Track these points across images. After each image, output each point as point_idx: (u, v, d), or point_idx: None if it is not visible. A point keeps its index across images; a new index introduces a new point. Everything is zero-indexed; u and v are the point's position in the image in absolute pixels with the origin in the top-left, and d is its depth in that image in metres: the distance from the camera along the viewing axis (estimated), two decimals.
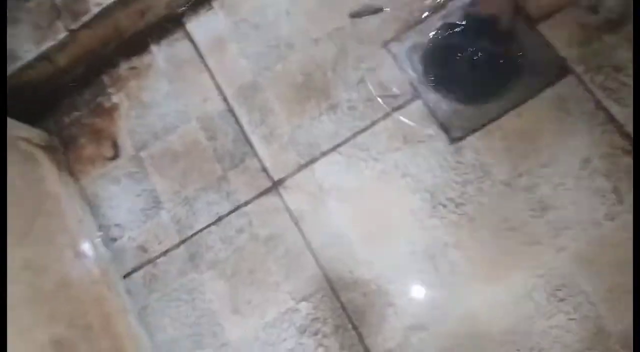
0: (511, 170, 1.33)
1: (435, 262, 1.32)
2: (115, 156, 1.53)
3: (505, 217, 1.30)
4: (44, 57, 1.49)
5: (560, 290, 1.23)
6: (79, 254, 1.37)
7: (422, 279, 1.31)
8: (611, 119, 1.29)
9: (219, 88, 1.54)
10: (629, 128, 1.26)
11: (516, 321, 1.24)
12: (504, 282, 1.26)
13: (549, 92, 1.32)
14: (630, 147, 1.26)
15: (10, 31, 1.50)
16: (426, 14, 1.44)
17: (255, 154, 1.48)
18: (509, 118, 1.34)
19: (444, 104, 1.38)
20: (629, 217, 1.24)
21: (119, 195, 1.51)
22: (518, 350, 1.22)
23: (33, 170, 1.40)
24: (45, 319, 1.14)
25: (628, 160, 1.25)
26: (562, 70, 1.34)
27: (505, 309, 1.25)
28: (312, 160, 1.44)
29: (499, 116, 1.34)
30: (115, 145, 1.54)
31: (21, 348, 1.05)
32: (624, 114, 1.27)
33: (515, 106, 1.33)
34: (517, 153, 1.33)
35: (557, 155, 1.29)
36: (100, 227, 1.50)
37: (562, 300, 1.23)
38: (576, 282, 1.23)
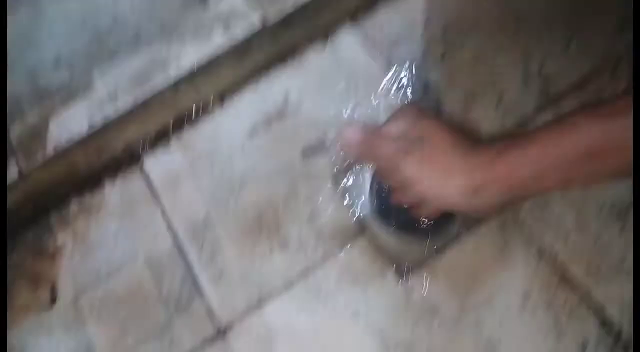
0: (458, 307, 1.26)
1: None
2: (52, 303, 1.45)
3: None
4: None
5: None
6: None
7: None
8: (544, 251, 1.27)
9: (170, 225, 1.52)
10: (563, 256, 1.24)
11: None
12: None
13: (486, 227, 1.32)
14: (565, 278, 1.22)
15: None
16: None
17: (202, 296, 1.41)
18: (452, 254, 1.31)
19: (391, 240, 1.37)
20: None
21: (51, 347, 1.40)
22: None
23: None
24: None
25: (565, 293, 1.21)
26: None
27: None
28: (261, 302, 1.37)
29: (441, 252, 1.32)
30: (53, 291, 1.46)
31: None
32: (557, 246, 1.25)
33: (456, 242, 1.31)
34: (462, 289, 1.27)
35: (499, 290, 1.25)
36: None
37: None
38: None
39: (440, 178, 0.80)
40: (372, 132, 0.96)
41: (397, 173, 0.89)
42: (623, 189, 1.25)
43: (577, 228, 1.27)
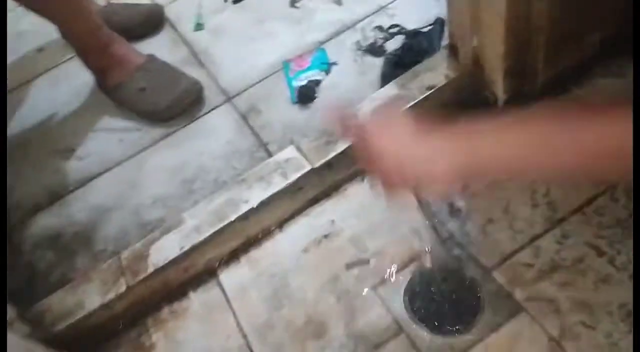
0: None
1: None
2: None
3: None
4: (105, 306, 1.96)
5: None
6: None
7: None
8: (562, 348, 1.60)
9: (240, 326, 1.94)
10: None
11: None
12: None
13: (506, 328, 1.66)
14: None
15: (83, 286, 2.03)
16: (402, 264, 1.93)
17: None
18: (478, 349, 1.66)
19: (424, 337, 1.73)
20: None
21: None
22: None
23: None
24: None
25: None
26: (515, 307, 1.72)
27: None
28: None
29: (469, 347, 1.67)
30: None
31: None
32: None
33: (480, 339, 1.66)
34: None
35: None
36: None
37: None
38: None
39: (403, 140, 0.89)
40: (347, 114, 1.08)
41: (365, 144, 0.95)
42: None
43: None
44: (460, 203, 1.98)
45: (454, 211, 1.97)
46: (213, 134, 2.56)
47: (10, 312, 1.87)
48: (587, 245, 1.76)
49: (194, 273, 2.11)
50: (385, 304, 1.83)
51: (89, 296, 1.96)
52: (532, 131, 0.74)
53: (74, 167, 2.62)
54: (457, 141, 0.83)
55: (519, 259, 1.80)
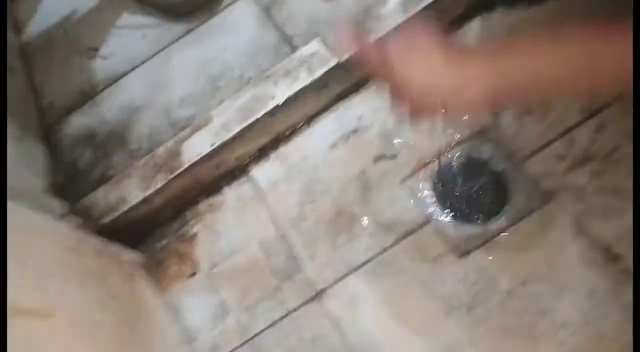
0: (513, 280, 1.68)
1: None
2: (193, 274, 2.03)
3: (511, 319, 1.62)
4: (145, 200, 2.09)
5: None
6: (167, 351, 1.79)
7: None
8: (590, 238, 1.65)
9: (274, 218, 2.06)
10: (616, 248, 1.62)
11: None
12: None
13: (535, 216, 1.71)
14: (608, 261, 1.60)
15: (123, 182, 2.14)
16: (431, 156, 1.95)
17: (303, 270, 1.93)
18: (505, 237, 1.73)
19: (452, 227, 1.81)
20: (623, 316, 1.53)
21: (196, 304, 1.97)
22: None
23: (134, 285, 1.91)
24: None
25: (612, 273, 1.59)
26: (547, 196, 1.75)
27: None
28: (347, 274, 1.86)
29: (496, 235, 1.75)
30: (193, 265, 2.05)
31: None
32: (606, 233, 1.63)
33: (509, 227, 1.72)
34: (515, 267, 1.69)
35: (552, 267, 1.65)
36: (182, 331, 1.94)
37: None
38: None
39: (430, 67, 0.84)
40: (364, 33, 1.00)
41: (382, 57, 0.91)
42: None
43: None
44: None
45: None
46: (235, 29, 2.48)
47: (62, 207, 2.02)
48: (623, 135, 1.73)
49: (225, 169, 2.19)
50: (413, 196, 1.89)
51: (130, 191, 2.08)
52: (563, 50, 0.74)
53: (100, 66, 2.61)
54: (487, 66, 0.81)
55: (551, 150, 1.79)
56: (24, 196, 1.71)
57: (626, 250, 1.57)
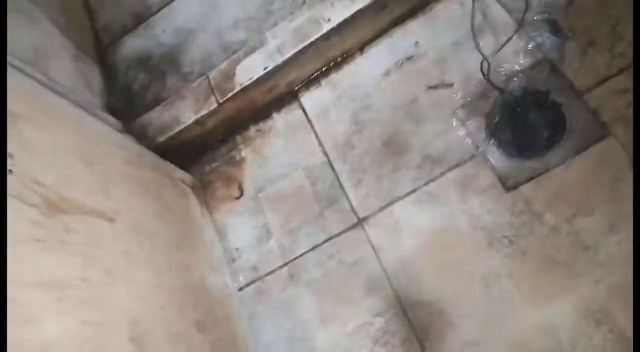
0: (558, 216, 1.74)
1: (490, 289, 1.74)
2: (240, 196, 2.22)
3: (551, 254, 1.70)
4: (198, 122, 2.27)
5: (596, 316, 1.58)
6: (212, 267, 2.02)
7: (478, 302, 1.74)
8: None
9: (321, 145, 2.18)
10: None
11: (557, 343, 1.60)
12: (548, 308, 1.64)
13: (592, 151, 1.74)
14: None
15: (177, 103, 2.32)
16: (486, 87, 1.97)
17: (346, 197, 2.06)
18: (557, 171, 1.77)
19: (501, 159, 1.86)
20: None
21: (241, 226, 2.18)
22: None
23: (185, 202, 2.13)
24: (192, 304, 1.77)
25: None
26: (603, 131, 1.75)
27: (548, 332, 1.62)
28: (391, 203, 1.98)
29: (548, 170, 1.79)
30: (240, 188, 2.23)
31: (181, 321, 1.67)
32: None
33: (561, 162, 1.77)
34: (564, 202, 1.74)
35: (598, 208, 1.69)
36: (225, 250, 2.17)
37: (599, 323, 1.58)
38: (610, 310, 1.58)
39: None
40: None
41: None
42: None
43: None
44: (563, 21, 1.90)
45: (556, 28, 1.90)
46: None
47: (118, 124, 2.22)
48: None
49: (277, 94, 2.31)
50: (464, 127, 1.95)
51: (184, 112, 2.26)
52: None
53: None
54: None
55: (615, 83, 1.77)
56: (86, 109, 1.90)
57: None
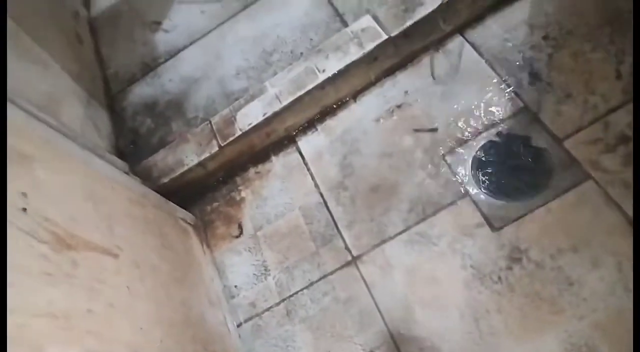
0: (542, 254, 1.82)
1: (479, 325, 1.79)
2: (239, 235, 2.30)
3: (537, 290, 1.77)
4: (200, 164, 2.38)
5: (582, 350, 1.63)
6: (211, 302, 2.07)
7: (468, 338, 1.79)
8: (624, 215, 1.76)
9: (317, 186, 2.28)
10: None
11: None
12: (534, 344, 1.69)
13: (572, 193, 1.84)
14: None
15: (181, 146, 2.44)
16: (472, 133, 2.10)
17: (341, 236, 2.14)
18: (540, 212, 1.86)
19: (488, 202, 1.96)
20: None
21: (239, 264, 2.24)
22: None
23: (186, 240, 2.21)
24: (191, 338, 1.82)
25: None
26: (582, 175, 1.86)
27: None
28: (383, 242, 2.06)
29: (532, 211, 1.88)
30: (240, 227, 2.32)
31: None
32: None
33: (545, 203, 1.86)
34: (548, 241, 1.83)
35: (580, 245, 1.77)
36: (224, 287, 2.23)
37: None
38: (595, 346, 1.63)
39: None
40: None
41: None
42: None
43: None
44: (542, 71, 2.04)
45: (534, 76, 2.05)
46: (289, 4, 2.70)
47: (125, 166, 2.34)
48: None
49: (275, 138, 2.43)
50: (452, 171, 2.05)
51: (187, 155, 2.38)
52: None
53: (162, 39, 2.93)
54: None
55: (591, 131, 1.89)
56: (94, 152, 2.02)
57: None
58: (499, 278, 1.83)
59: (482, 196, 1.97)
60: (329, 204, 2.22)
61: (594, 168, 1.84)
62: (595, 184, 1.82)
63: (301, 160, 2.37)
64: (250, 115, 2.38)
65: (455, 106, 2.16)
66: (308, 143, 2.39)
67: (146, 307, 1.70)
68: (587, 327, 1.67)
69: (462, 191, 2.01)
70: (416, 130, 2.18)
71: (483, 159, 2.02)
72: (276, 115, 2.35)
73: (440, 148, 2.12)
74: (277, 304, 2.11)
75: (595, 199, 1.80)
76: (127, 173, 2.26)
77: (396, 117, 2.25)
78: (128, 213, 1.91)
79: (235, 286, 2.21)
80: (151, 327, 1.66)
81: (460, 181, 2.03)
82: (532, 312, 1.74)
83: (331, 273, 2.09)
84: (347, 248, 2.11)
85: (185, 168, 2.37)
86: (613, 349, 1.63)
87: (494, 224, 1.92)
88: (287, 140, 2.43)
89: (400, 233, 2.05)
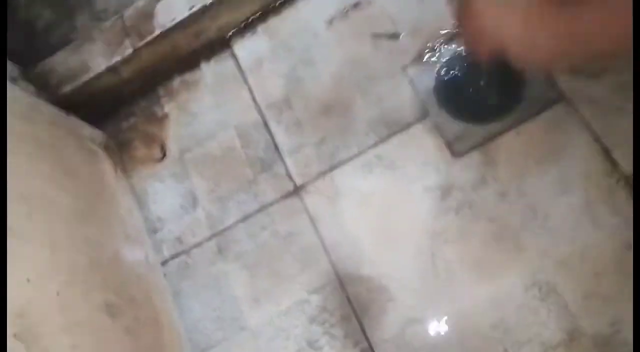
0: (507, 182, 1.59)
1: (434, 262, 1.58)
2: (162, 158, 1.93)
3: (499, 224, 1.56)
4: (111, 70, 1.92)
5: (541, 291, 1.47)
6: (129, 238, 1.75)
7: (421, 278, 1.58)
8: (596, 139, 1.53)
9: (255, 102, 1.91)
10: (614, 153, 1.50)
11: (501, 318, 1.48)
12: (493, 283, 1.51)
13: (544, 116, 1.59)
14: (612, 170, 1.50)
15: (85, 47, 1.96)
16: (440, 43, 1.76)
17: (282, 162, 1.83)
18: (508, 137, 1.60)
19: (450, 124, 1.67)
20: (608, 233, 1.46)
21: (163, 192, 1.90)
22: (501, 344, 1.46)
23: (95, 164, 1.82)
24: (100, 285, 1.50)
25: (610, 181, 1.49)
26: (556, 97, 1.59)
27: (492, 306, 1.49)
28: (331, 168, 1.76)
29: (498, 135, 1.62)
30: (163, 149, 1.94)
31: (83, 306, 1.41)
32: (611, 138, 1.52)
33: (513, 126, 1.60)
34: (514, 168, 1.59)
35: (549, 172, 1.55)
36: (145, 219, 1.89)
37: (542, 300, 1.47)
38: (556, 285, 1.47)
39: (505, 8, 0.94)
40: None
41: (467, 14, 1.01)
42: None
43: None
44: None
45: None
46: None
47: (14, 70, 1.85)
48: None
49: (205, 40, 2.00)
50: (413, 86, 1.74)
51: (94, 58, 1.92)
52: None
53: None
54: (561, 21, 0.88)
55: None
56: None
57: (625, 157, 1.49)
58: (460, 207, 1.60)
59: (444, 117, 1.68)
60: (269, 124, 1.87)
61: (569, 88, 1.57)
62: (569, 106, 1.57)
63: (237, 70, 1.96)
64: (174, 9, 1.91)
65: (423, 8, 1.80)
66: (245, 48, 1.98)
67: (36, 252, 1.35)
68: (551, 265, 1.49)
69: (424, 111, 1.71)
70: (375, 36, 1.81)
71: (449, 74, 1.70)
72: (206, 9, 1.89)
73: (402, 59, 1.78)
74: (208, 239, 1.82)
75: (567, 121, 1.56)
76: (14, 79, 1.79)
77: (352, 19, 1.86)
78: (14, 133, 1.49)
79: (159, 218, 1.88)
80: (43, 278, 1.33)
81: (421, 99, 1.73)
82: (494, 247, 1.54)
83: (270, 204, 1.79)
84: (289, 176, 1.80)
85: (92, 74, 1.91)
86: (576, 288, 1.47)
87: (456, 148, 1.65)
88: (221, 44, 2.00)
89: (352, 158, 1.75)
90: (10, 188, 1.35)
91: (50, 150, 1.60)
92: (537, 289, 1.49)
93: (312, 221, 1.73)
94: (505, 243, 1.54)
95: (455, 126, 1.67)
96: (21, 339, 1.19)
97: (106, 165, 1.85)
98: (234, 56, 1.97)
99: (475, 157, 1.63)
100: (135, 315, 1.59)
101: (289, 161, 1.82)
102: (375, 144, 1.74)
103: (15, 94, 1.66)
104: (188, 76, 1.99)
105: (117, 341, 1.46)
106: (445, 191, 1.63)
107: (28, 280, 1.28)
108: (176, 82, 2.00)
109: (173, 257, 1.83)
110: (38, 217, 1.42)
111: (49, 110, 1.74)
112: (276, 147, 1.84)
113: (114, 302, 1.53)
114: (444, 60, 1.72)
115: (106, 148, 1.91)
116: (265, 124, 1.87)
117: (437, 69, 1.72)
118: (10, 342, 1.17)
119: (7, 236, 1.27)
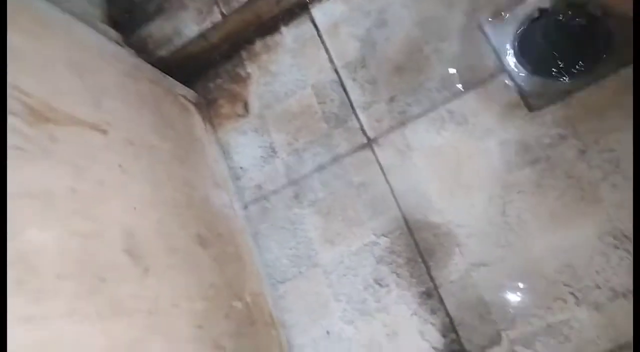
0: (586, 138, 1.57)
1: (505, 211, 1.61)
2: (245, 114, 2.09)
3: (574, 177, 1.55)
4: (201, 35, 2.10)
5: (616, 239, 1.46)
6: (216, 184, 1.93)
7: (491, 224, 1.62)
8: None
9: (332, 62, 2.01)
10: None
11: (569, 264, 1.49)
12: (566, 231, 1.52)
13: (624, 72, 1.54)
14: None
15: (179, 14, 2.14)
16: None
17: (356, 117, 1.91)
18: (588, 92, 1.58)
19: (528, 79, 1.67)
20: None
21: (245, 144, 2.06)
22: (568, 288, 1.47)
23: (187, 119, 2.01)
24: (193, 219, 1.69)
25: None
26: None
27: (563, 253, 1.50)
28: (403, 123, 1.83)
29: (577, 90, 1.59)
30: (246, 106, 2.10)
31: (179, 234, 1.61)
32: None
33: (593, 82, 1.57)
34: (594, 124, 1.57)
35: (630, 127, 1.51)
36: (229, 168, 2.07)
37: (616, 247, 1.45)
38: (630, 235, 1.45)
39: None
40: None
41: None
42: None
43: None
44: None
45: None
46: None
47: (118, 36, 2.08)
48: None
49: (286, 6, 2.11)
50: (489, 42, 1.75)
51: (187, 25, 2.09)
52: None
53: None
54: None
55: None
56: (83, 19, 1.76)
57: None
58: (536, 161, 1.61)
59: (521, 72, 1.68)
60: (344, 83, 1.96)
61: None
62: None
63: (315, 32, 2.06)
64: None
65: None
66: (323, 12, 2.07)
67: (142, 186, 1.55)
68: (627, 216, 1.47)
69: (500, 66, 1.72)
70: None
71: (528, 29, 1.69)
72: None
73: (478, 14, 1.78)
74: (285, 186, 1.96)
75: None
76: (119, 44, 2.01)
77: None
78: (119, 85, 1.70)
79: (241, 168, 2.05)
80: (147, 207, 1.52)
81: (497, 55, 1.73)
82: (570, 197, 1.55)
83: (344, 156, 1.90)
84: (362, 130, 1.89)
85: (185, 40, 2.09)
86: None
87: (533, 103, 1.65)
88: (299, 9, 2.11)
89: (424, 113, 1.81)
90: (118, 133, 1.55)
91: (152, 104, 1.80)
92: (611, 237, 1.48)
93: (383, 171, 1.82)
94: (582, 194, 1.54)
95: (532, 81, 1.66)
96: (129, 254, 1.39)
97: (196, 120, 2.04)
98: (312, 20, 2.07)
99: (553, 112, 1.63)
100: (222, 249, 1.77)
101: (362, 116, 1.90)
102: (448, 100, 1.77)
103: (123, 54, 1.87)
104: (269, 40, 2.12)
105: (206, 267, 1.64)
106: (521, 146, 1.64)
107: (135, 208, 1.49)
108: (258, 45, 2.13)
109: (253, 202, 2.00)
110: (143, 159, 1.62)
111: (149, 70, 1.94)
112: (351, 103, 1.93)
113: (205, 235, 1.72)
114: (521, 15, 1.71)
115: (196, 105, 2.09)
116: (341, 83, 1.96)
117: (514, 25, 1.71)
118: (121, 256, 1.37)
119: (120, 172, 1.47)
